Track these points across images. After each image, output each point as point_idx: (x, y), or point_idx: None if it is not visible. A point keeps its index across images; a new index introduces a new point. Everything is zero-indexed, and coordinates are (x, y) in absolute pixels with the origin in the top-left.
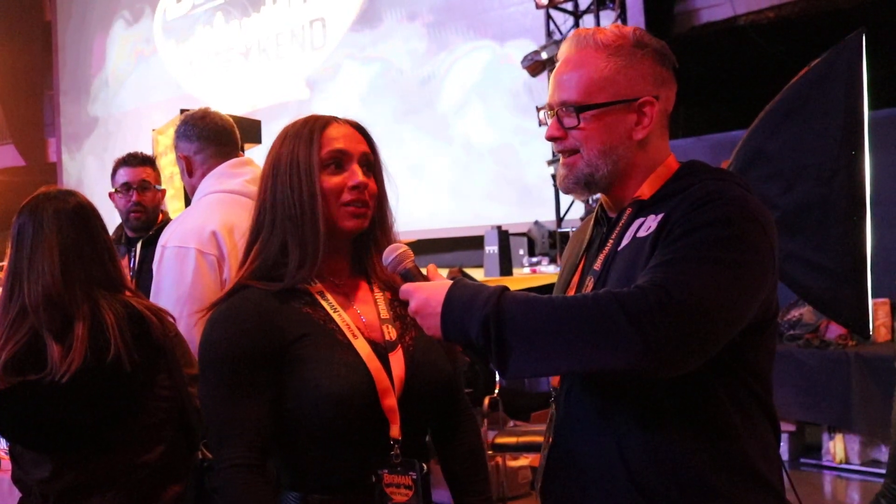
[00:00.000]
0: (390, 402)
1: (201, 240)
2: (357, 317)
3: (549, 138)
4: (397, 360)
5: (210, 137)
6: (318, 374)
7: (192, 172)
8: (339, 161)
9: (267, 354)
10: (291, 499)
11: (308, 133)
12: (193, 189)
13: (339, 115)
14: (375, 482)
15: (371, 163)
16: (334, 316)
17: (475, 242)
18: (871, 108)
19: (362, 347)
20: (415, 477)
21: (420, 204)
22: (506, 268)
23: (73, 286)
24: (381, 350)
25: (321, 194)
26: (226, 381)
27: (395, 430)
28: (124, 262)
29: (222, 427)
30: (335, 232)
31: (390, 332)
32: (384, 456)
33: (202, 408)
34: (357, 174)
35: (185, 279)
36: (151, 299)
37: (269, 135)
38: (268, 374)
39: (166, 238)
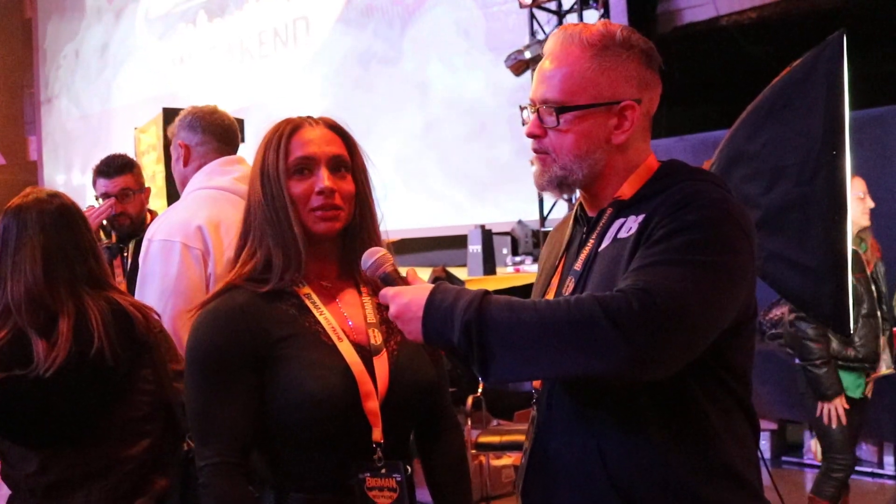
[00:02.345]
0: (373, 405)
1: (187, 234)
2: (343, 319)
3: (529, 135)
4: (381, 364)
5: (215, 133)
6: (301, 375)
7: (187, 162)
8: (306, 167)
9: (251, 355)
10: (269, 496)
11: (277, 140)
12: (185, 179)
13: (320, 115)
14: (357, 485)
15: (346, 164)
16: (320, 318)
17: (458, 242)
18: (851, 108)
19: (347, 350)
20: (399, 479)
21: (403, 203)
22: (489, 267)
23: (57, 285)
24: (366, 353)
25: (290, 201)
26: (209, 380)
27: (377, 434)
28: (117, 262)
29: (204, 426)
30: (311, 236)
31: (376, 336)
32: (366, 459)
33: (186, 406)
34: (323, 179)
35: (170, 273)
36: (137, 292)
37: (253, 133)
38: (251, 374)
39: (152, 232)
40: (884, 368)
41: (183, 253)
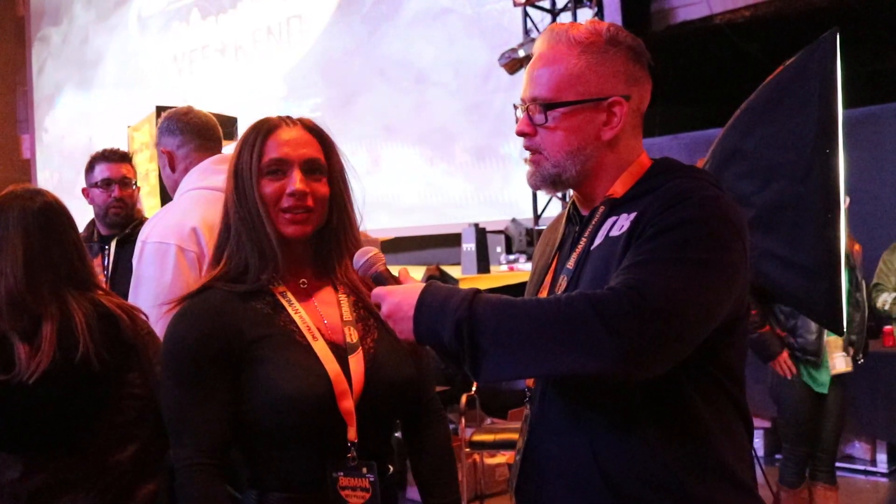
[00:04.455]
0: (347, 404)
1: (181, 236)
2: (319, 318)
3: (519, 134)
4: (357, 362)
5: (194, 132)
6: (275, 374)
7: (174, 167)
8: (279, 168)
9: (225, 355)
10: (250, 496)
11: (253, 140)
12: (175, 184)
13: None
14: (330, 484)
15: (321, 167)
16: (295, 317)
17: (452, 240)
18: (844, 106)
19: (321, 349)
20: (373, 479)
21: (397, 201)
22: (483, 265)
23: (40, 287)
24: (342, 352)
25: (261, 201)
26: (184, 381)
27: (351, 433)
28: (97, 261)
29: (179, 426)
30: (282, 237)
31: (352, 334)
32: (341, 458)
33: (162, 406)
34: (295, 181)
35: (165, 275)
36: (130, 295)
37: None
38: (226, 374)
39: (146, 234)
40: (842, 367)
41: (178, 256)
